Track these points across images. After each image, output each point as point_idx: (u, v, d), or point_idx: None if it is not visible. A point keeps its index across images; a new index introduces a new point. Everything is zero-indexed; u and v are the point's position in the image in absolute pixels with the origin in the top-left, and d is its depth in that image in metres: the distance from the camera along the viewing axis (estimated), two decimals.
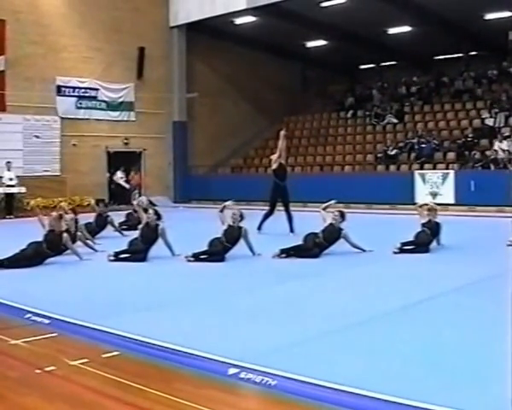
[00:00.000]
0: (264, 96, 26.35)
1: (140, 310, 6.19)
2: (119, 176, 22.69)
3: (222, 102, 25.06)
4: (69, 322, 5.61)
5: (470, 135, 20.47)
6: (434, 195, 18.37)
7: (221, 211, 9.88)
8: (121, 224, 13.47)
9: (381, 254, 9.59)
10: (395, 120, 23.87)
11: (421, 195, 18.33)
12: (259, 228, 12.46)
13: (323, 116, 26.72)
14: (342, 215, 9.80)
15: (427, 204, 10.83)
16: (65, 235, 9.52)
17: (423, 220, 10.05)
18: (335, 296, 6.83)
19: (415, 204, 12.76)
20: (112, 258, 9.40)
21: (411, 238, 9.83)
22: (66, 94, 21.50)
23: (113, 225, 12.56)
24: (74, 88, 21.68)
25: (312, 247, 9.50)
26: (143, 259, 9.34)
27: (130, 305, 6.46)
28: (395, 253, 9.54)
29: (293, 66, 28.14)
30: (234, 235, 9.47)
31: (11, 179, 19.01)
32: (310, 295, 6.97)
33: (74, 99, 21.75)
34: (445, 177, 18.74)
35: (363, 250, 9.74)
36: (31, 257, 8.94)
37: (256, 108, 26.35)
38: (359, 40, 24.18)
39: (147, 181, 23.34)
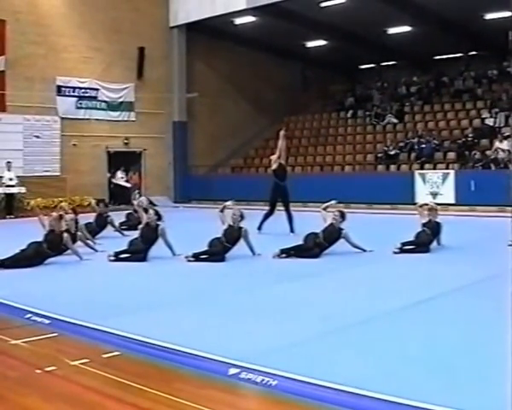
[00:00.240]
0: (264, 96, 26.35)
1: (140, 310, 6.20)
2: (120, 176, 22.70)
3: (222, 102, 25.06)
4: (69, 322, 5.61)
5: (470, 135, 20.46)
6: (435, 195, 18.37)
7: (221, 211, 9.88)
8: (121, 224, 13.47)
9: (381, 254, 9.59)
10: (395, 120, 23.87)
11: (422, 195, 18.33)
12: (259, 228, 12.46)
13: (323, 116, 26.72)
14: (342, 215, 9.80)
15: (427, 204, 10.83)
16: (65, 235, 9.52)
17: (423, 220, 10.05)
18: (335, 296, 6.83)
19: (415, 204, 12.76)
20: (112, 258, 9.41)
21: (412, 238, 9.83)
22: (67, 94, 21.50)
23: (113, 225, 12.56)
24: (74, 88, 21.68)
25: (313, 247, 9.50)
26: (143, 259, 9.34)
27: (131, 305, 6.46)
28: (395, 253, 9.54)
29: (293, 66, 28.14)
30: (234, 235, 9.47)
31: (11, 179, 19.02)
32: (310, 295, 6.97)
33: (74, 99, 21.75)
34: (445, 177, 18.74)
35: (364, 250, 9.74)
36: (31, 257, 8.94)
37: (256, 108, 26.35)
38: (359, 40, 24.18)
39: (146, 181, 23.34)
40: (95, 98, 22.26)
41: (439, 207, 10.76)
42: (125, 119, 23.10)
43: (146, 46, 22.89)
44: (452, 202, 18.08)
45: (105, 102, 22.55)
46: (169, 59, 23.81)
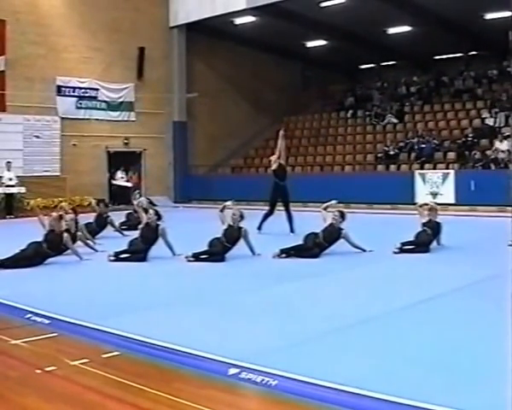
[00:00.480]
0: (264, 95, 26.35)
1: (140, 310, 6.20)
2: (120, 176, 22.70)
3: (222, 102, 25.06)
4: (69, 322, 5.61)
5: (470, 135, 20.45)
6: (435, 194, 18.37)
7: (221, 211, 9.87)
8: (121, 224, 13.47)
9: (381, 254, 9.58)
10: (395, 120, 23.86)
11: (422, 195, 18.32)
12: (259, 228, 12.46)
13: (323, 116, 26.72)
14: (342, 215, 9.80)
15: (427, 204, 10.83)
16: (65, 235, 9.52)
17: (424, 220, 10.04)
18: (335, 296, 6.83)
19: (415, 204, 12.76)
20: (112, 258, 9.41)
21: (412, 238, 9.83)
22: (67, 94, 21.50)
23: (113, 226, 12.56)
24: (74, 88, 21.68)
25: (312, 247, 9.50)
26: (143, 259, 9.34)
27: (131, 305, 6.46)
28: (395, 253, 9.53)
29: (293, 66, 28.14)
30: (234, 235, 9.47)
31: (11, 179, 19.01)
32: (310, 295, 6.98)
33: (74, 99, 21.75)
34: (445, 177, 18.73)
35: (364, 250, 9.74)
36: (31, 257, 8.94)
37: (256, 108, 26.35)
38: (359, 40, 24.18)
39: (146, 181, 23.35)
40: (95, 98, 22.26)
41: (439, 207, 10.76)
42: (125, 119, 23.10)
43: (146, 46, 22.90)
44: (452, 201, 18.07)
45: (105, 102, 22.55)
46: (169, 59, 23.82)
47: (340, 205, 10.78)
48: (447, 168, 19.41)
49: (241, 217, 9.64)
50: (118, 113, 22.90)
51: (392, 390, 3.75)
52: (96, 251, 10.28)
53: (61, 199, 18.29)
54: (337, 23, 22.48)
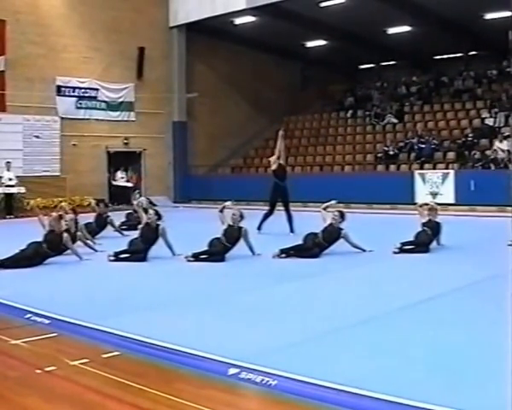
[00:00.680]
0: (263, 95, 26.34)
1: (140, 310, 6.20)
2: (120, 176, 22.70)
3: (222, 102, 25.06)
4: (69, 322, 5.61)
5: (470, 135, 20.45)
6: (434, 194, 18.37)
7: (221, 211, 9.87)
8: (121, 224, 13.47)
9: (381, 254, 9.58)
10: (395, 120, 23.86)
11: (422, 194, 18.33)
12: (259, 228, 12.46)
13: (323, 116, 26.72)
14: (342, 215, 9.80)
15: (427, 204, 10.83)
16: (65, 235, 9.52)
17: (423, 220, 10.05)
18: (335, 296, 6.83)
19: (415, 204, 12.78)
20: (112, 258, 9.41)
21: (411, 238, 9.83)
22: (66, 94, 21.50)
23: (112, 225, 12.56)
24: (74, 88, 21.68)
25: (312, 247, 9.50)
26: (143, 259, 9.34)
27: (131, 305, 6.46)
28: (395, 253, 9.53)
29: (293, 66, 28.15)
30: (234, 235, 9.47)
31: (11, 179, 19.01)
32: (310, 295, 6.98)
33: (74, 99, 21.75)
34: (444, 177, 18.74)
35: (364, 250, 9.74)
36: (31, 257, 8.94)
37: (256, 108, 26.35)
38: (359, 40, 24.18)
39: (146, 181, 23.36)
40: (94, 98, 22.26)
41: (438, 207, 10.75)
42: (125, 119, 23.10)
43: (146, 46, 22.89)
44: (452, 201, 18.07)
45: (105, 102, 22.55)
46: (169, 59, 23.82)
47: (340, 205, 10.78)
48: (447, 168, 19.41)
49: (241, 217, 9.64)
50: (118, 113, 22.90)
51: (392, 390, 3.75)
52: (96, 251, 10.27)
53: (60, 199, 18.29)
54: (337, 23, 22.49)
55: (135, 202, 12.41)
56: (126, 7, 22.30)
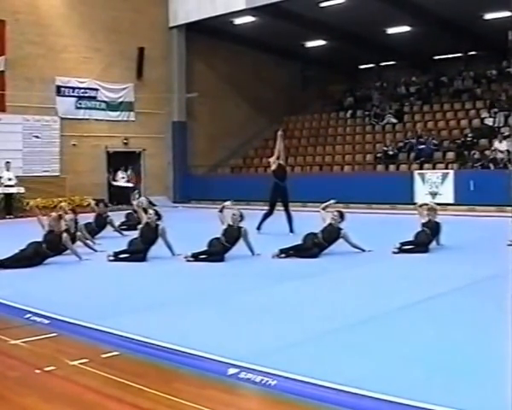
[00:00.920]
0: (263, 95, 26.35)
1: (140, 310, 6.19)
2: (120, 176, 22.71)
3: (221, 102, 25.06)
4: (69, 322, 5.61)
5: (469, 135, 20.46)
6: (434, 194, 18.38)
7: (220, 211, 9.87)
8: (121, 224, 13.47)
9: (380, 254, 9.59)
10: (394, 120, 23.87)
11: (421, 195, 18.33)
12: (259, 228, 12.46)
13: (323, 116, 26.73)
14: (341, 215, 9.80)
15: (426, 204, 10.84)
16: (64, 235, 9.52)
17: (423, 220, 10.05)
18: (335, 296, 6.83)
19: (414, 204, 12.80)
20: (111, 258, 9.40)
21: (411, 238, 9.83)
22: (66, 94, 21.50)
23: (112, 225, 12.56)
24: (74, 88, 21.68)
25: (312, 247, 9.50)
26: (143, 259, 9.34)
27: (130, 305, 6.46)
28: (395, 253, 9.54)
29: (293, 66, 28.15)
30: (233, 235, 9.47)
31: (10, 179, 19.01)
32: (309, 294, 6.98)
33: (74, 99, 21.75)
34: (444, 177, 18.74)
35: (363, 250, 9.74)
36: (30, 257, 8.93)
37: (255, 108, 26.35)
38: (359, 40, 24.18)
39: (145, 181, 23.36)
40: (94, 98, 22.26)
41: (438, 207, 10.76)
42: (125, 119, 23.10)
43: (145, 46, 22.89)
44: (451, 201, 18.08)
45: (104, 102, 22.55)
46: (168, 59, 23.82)
47: (339, 205, 10.78)
48: (446, 168, 19.42)
49: (241, 217, 9.64)
50: (117, 113, 22.90)
51: (392, 390, 3.75)
52: (96, 251, 10.27)
53: (60, 199, 18.29)
54: (336, 23, 22.48)
55: (135, 202, 12.42)
56: (126, 7, 22.30)
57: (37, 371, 4.33)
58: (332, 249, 9.65)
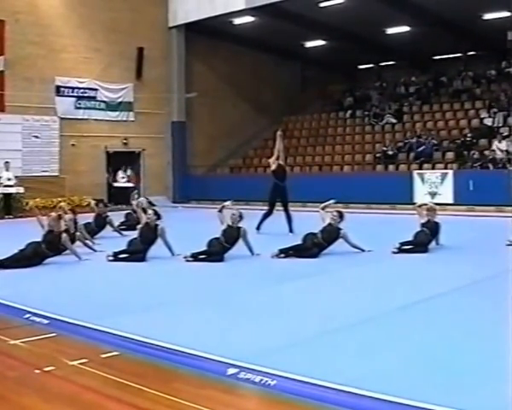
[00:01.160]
0: (263, 96, 26.37)
1: (139, 310, 6.19)
2: (121, 176, 22.70)
3: (221, 102, 25.06)
4: (68, 322, 5.60)
5: (469, 135, 20.47)
6: (433, 195, 18.39)
7: (220, 211, 9.87)
8: (120, 224, 13.46)
9: (380, 254, 9.58)
10: (394, 120, 23.89)
11: (420, 195, 18.34)
12: (258, 228, 12.46)
13: (322, 116, 26.73)
14: (341, 215, 9.80)
15: (426, 204, 10.84)
16: (64, 235, 9.51)
17: (422, 220, 10.05)
18: (335, 296, 6.83)
19: (414, 204, 12.77)
20: (111, 258, 9.40)
21: (410, 238, 9.83)
22: (66, 94, 21.50)
23: (112, 226, 12.56)
24: (73, 88, 21.68)
25: (311, 247, 9.50)
26: (142, 259, 9.33)
27: (130, 305, 6.46)
28: (394, 253, 9.53)
29: (292, 66, 28.17)
30: (233, 235, 9.47)
31: (9, 179, 19.01)
32: (309, 294, 6.97)
33: (73, 99, 21.75)
34: (443, 177, 18.75)
35: (363, 250, 9.74)
36: (30, 257, 8.93)
37: (255, 108, 26.36)
38: (358, 40, 24.19)
39: (145, 181, 23.36)
40: (94, 98, 22.27)
41: (437, 207, 10.76)
42: (124, 119, 23.11)
43: (145, 46, 22.90)
44: (451, 201, 18.08)
45: (104, 102, 22.55)
46: (168, 59, 23.82)
47: (339, 205, 10.78)
48: (446, 168, 19.43)
49: (240, 217, 9.64)
50: (117, 113, 22.90)
51: (392, 390, 3.75)
52: (95, 251, 10.27)
53: (59, 199, 18.26)
54: (336, 23, 22.49)
55: (134, 203, 12.41)
56: (125, 7, 22.30)
57: (37, 371, 4.33)
58: (331, 249, 9.65)
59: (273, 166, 12.96)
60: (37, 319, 5.73)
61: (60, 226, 9.59)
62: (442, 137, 21.67)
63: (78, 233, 10.46)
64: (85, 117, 22.10)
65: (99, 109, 22.45)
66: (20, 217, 17.73)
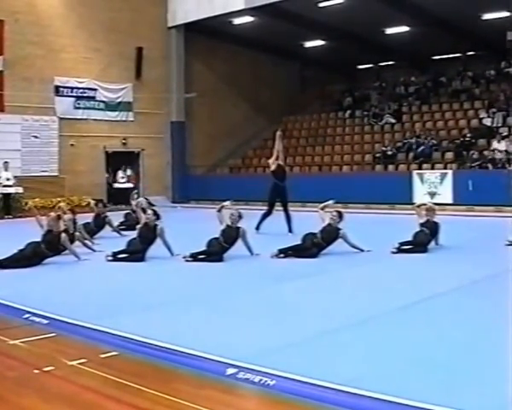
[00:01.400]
0: (262, 96, 26.36)
1: (138, 310, 6.19)
2: (120, 176, 22.70)
3: (220, 102, 25.06)
4: (67, 322, 5.60)
5: (468, 135, 20.48)
6: (432, 195, 18.39)
7: (219, 211, 9.86)
8: (120, 224, 13.46)
9: (379, 254, 9.59)
10: (393, 120, 23.89)
11: (420, 195, 18.35)
12: (258, 228, 12.46)
13: (322, 116, 26.73)
14: (340, 215, 9.81)
15: (425, 204, 10.85)
16: (63, 235, 9.51)
17: (422, 220, 10.06)
18: (334, 296, 6.83)
19: (413, 204, 12.78)
20: (110, 258, 9.40)
21: (410, 238, 9.84)
22: (65, 94, 21.49)
23: (111, 226, 12.56)
24: (72, 88, 21.67)
25: (311, 247, 9.50)
26: (141, 259, 9.33)
27: (129, 305, 6.46)
28: (393, 253, 9.54)
29: (292, 66, 28.17)
30: (232, 235, 9.47)
31: (8, 179, 19.00)
32: (308, 295, 6.98)
33: (72, 99, 21.74)
34: (443, 177, 18.75)
35: (362, 250, 9.74)
36: (29, 257, 8.93)
37: (254, 108, 26.36)
38: (357, 40, 24.19)
39: (144, 181, 23.36)
40: (93, 98, 22.26)
41: (436, 207, 10.77)
42: (124, 119, 23.10)
43: (144, 46, 22.90)
44: (450, 201, 18.09)
45: (103, 102, 22.54)
46: (167, 59, 23.81)
47: (338, 205, 10.79)
48: (445, 168, 19.44)
49: (240, 217, 9.64)
50: (116, 113, 22.90)
51: (391, 390, 3.76)
52: (94, 251, 10.27)
53: (59, 199, 18.26)
54: (335, 23, 22.49)
55: (133, 203, 12.41)
56: (125, 7, 22.29)
57: (36, 371, 4.33)
58: (331, 249, 9.65)
59: (273, 167, 12.96)
60: (37, 319, 5.73)
61: (59, 226, 9.59)
62: (441, 137, 21.67)
63: (77, 233, 10.46)
64: (84, 117, 22.09)
65: (98, 109, 22.44)
66: (20, 217, 17.72)
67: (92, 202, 13.85)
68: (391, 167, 21.23)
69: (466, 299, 6.56)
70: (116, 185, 22.58)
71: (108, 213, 13.03)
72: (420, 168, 19.97)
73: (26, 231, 10.33)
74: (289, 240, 10.21)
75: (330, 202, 10.47)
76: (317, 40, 25.29)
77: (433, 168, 19.82)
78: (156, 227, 9.68)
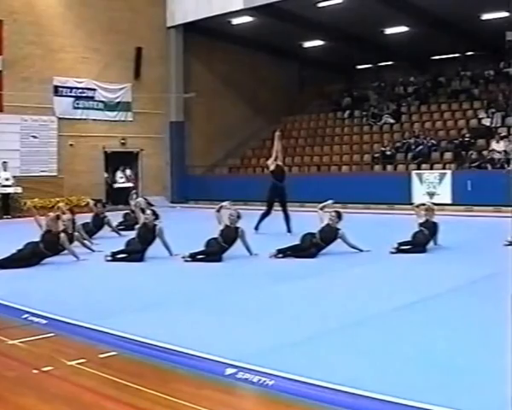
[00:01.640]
0: (261, 96, 26.35)
1: (137, 310, 6.19)
2: (119, 176, 22.69)
3: (219, 102, 25.05)
4: (66, 322, 5.60)
5: (467, 135, 20.47)
6: (431, 195, 18.40)
7: (218, 211, 9.87)
8: (119, 224, 13.46)
9: (378, 254, 9.59)
10: (392, 120, 23.89)
11: (419, 195, 18.34)
12: (256, 228, 12.46)
13: (320, 116, 26.72)
14: (339, 215, 9.81)
15: (424, 204, 10.86)
16: (62, 235, 9.51)
17: (420, 220, 10.06)
18: (333, 296, 6.84)
19: (412, 204, 12.80)
20: (109, 258, 9.40)
21: (409, 238, 9.84)
22: (64, 94, 21.47)
23: (110, 226, 12.56)
24: (71, 88, 21.65)
25: (309, 247, 9.51)
26: (140, 259, 9.33)
27: (128, 305, 6.46)
28: (392, 253, 9.55)
29: (290, 66, 28.14)
30: (231, 235, 9.48)
31: (7, 179, 19.01)
32: (307, 295, 6.98)
33: (71, 99, 21.72)
34: (442, 177, 18.76)
35: (361, 250, 9.75)
36: (28, 257, 8.93)
37: (253, 109, 26.35)
38: (356, 40, 24.19)
39: (143, 182, 23.36)
40: (92, 98, 22.24)
41: (435, 207, 10.77)
42: (122, 119, 23.07)
43: (143, 46, 22.88)
44: (449, 202, 18.10)
45: (102, 102, 22.52)
46: (166, 59, 23.80)
47: (337, 205, 10.79)
48: (444, 168, 19.44)
49: (238, 217, 9.65)
50: (115, 113, 22.87)
51: (390, 390, 3.76)
52: (93, 251, 10.28)
53: (58, 199, 18.23)
54: (334, 23, 22.48)
55: (132, 203, 12.41)
56: (124, 7, 22.28)
57: (35, 371, 4.33)
58: (330, 250, 9.65)
59: (272, 167, 12.96)
60: (36, 319, 5.73)
61: (58, 226, 9.59)
62: (440, 137, 21.68)
63: (76, 233, 10.46)
64: (83, 117, 22.06)
65: (97, 109, 22.42)
66: (19, 217, 17.72)
67: (91, 202, 13.84)
68: (390, 167, 21.23)
69: (465, 299, 6.56)
70: (115, 185, 22.57)
71: (107, 214, 13.02)
72: (419, 168, 19.97)
73: (25, 231, 10.32)
74: (288, 240, 10.21)
75: (329, 202, 10.47)
76: (316, 40, 25.29)
77: (431, 168, 19.82)
78: (155, 227, 9.68)
